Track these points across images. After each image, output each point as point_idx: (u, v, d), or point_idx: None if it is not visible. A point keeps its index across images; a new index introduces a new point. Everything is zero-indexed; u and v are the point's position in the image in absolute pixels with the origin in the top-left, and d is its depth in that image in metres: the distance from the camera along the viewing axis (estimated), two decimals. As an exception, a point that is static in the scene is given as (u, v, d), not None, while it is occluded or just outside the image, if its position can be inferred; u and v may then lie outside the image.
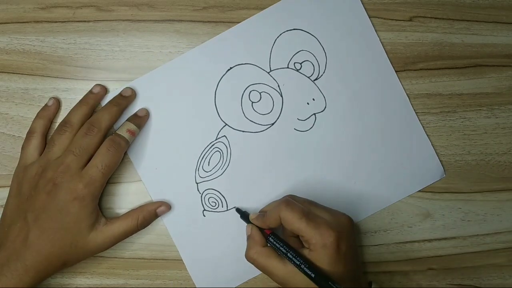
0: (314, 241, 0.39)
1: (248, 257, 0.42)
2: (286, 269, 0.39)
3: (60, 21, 0.46)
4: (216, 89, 0.46)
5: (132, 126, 0.44)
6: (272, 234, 0.41)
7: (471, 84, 0.47)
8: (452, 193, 0.47)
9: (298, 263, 0.39)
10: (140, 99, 0.46)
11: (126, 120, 0.44)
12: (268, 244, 0.41)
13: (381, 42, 0.47)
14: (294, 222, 0.39)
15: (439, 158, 0.47)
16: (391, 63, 0.47)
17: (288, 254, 0.39)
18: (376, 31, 0.47)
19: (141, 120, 0.45)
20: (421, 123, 0.47)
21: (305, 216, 0.39)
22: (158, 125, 0.46)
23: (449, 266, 0.47)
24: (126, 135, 0.43)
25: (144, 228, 0.44)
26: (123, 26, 0.46)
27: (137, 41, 0.46)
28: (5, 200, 0.43)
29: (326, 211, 0.42)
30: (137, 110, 0.45)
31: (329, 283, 0.37)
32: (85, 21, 0.46)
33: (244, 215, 0.45)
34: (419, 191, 0.47)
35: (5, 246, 0.40)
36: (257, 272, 0.46)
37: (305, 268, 0.38)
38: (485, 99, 0.47)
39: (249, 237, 0.43)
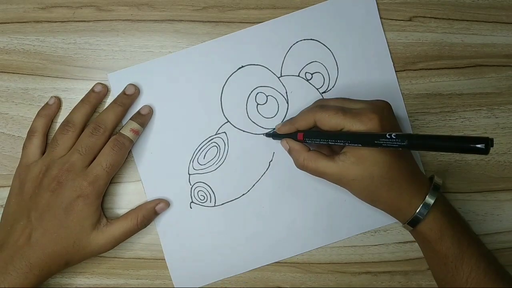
0: (356, 129, 0.38)
1: (299, 166, 0.42)
2: (337, 166, 0.39)
3: (60, 21, 0.46)
4: (225, 84, 0.46)
5: (135, 126, 0.44)
6: (305, 134, 0.41)
7: (471, 84, 0.47)
8: (452, 193, 0.47)
9: (342, 144, 0.38)
10: (148, 82, 0.46)
11: (130, 119, 0.44)
12: (307, 141, 0.41)
13: (394, 66, 0.46)
14: (331, 118, 0.39)
15: (439, 159, 0.47)
16: (398, 82, 0.47)
17: (329, 142, 0.39)
18: (390, 53, 0.47)
19: (144, 118, 0.45)
20: (419, 126, 0.47)
21: (341, 110, 0.39)
22: (161, 111, 0.46)
23: (449, 266, 0.47)
24: (129, 134, 0.43)
25: (144, 227, 0.44)
26: (123, 26, 0.46)
27: (137, 41, 0.46)
28: (6, 200, 0.43)
29: (361, 102, 0.41)
30: (142, 104, 0.45)
31: (375, 142, 0.36)
32: (85, 21, 0.46)
33: (273, 133, 0.45)
34: (419, 191, 0.47)
35: (9, 245, 0.40)
36: (232, 273, 0.46)
37: (351, 144, 0.38)
38: (485, 99, 0.47)
39: (290, 151, 0.43)
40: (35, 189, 0.41)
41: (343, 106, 0.40)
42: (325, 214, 0.46)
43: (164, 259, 0.46)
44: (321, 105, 0.42)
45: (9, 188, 0.43)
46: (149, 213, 0.44)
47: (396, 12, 0.47)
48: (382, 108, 0.40)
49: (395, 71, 0.47)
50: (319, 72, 0.46)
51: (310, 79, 0.46)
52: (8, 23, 0.46)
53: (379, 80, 0.47)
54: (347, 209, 0.46)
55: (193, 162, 0.46)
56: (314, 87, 0.46)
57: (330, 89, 0.46)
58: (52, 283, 0.46)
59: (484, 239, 0.47)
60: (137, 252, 0.46)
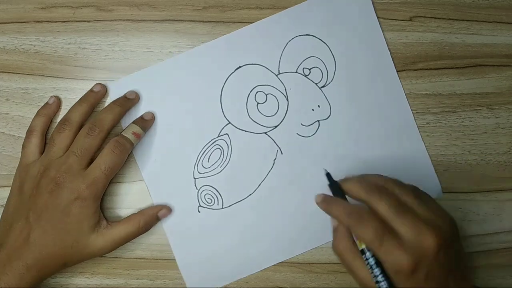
0: (392, 267, 0.34)
1: (337, 250, 0.38)
2: (370, 274, 0.36)
3: (60, 21, 0.46)
4: (223, 86, 0.46)
5: (137, 129, 0.44)
6: (367, 250, 0.37)
7: (471, 84, 0.47)
8: (452, 193, 0.47)
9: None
10: (148, 89, 0.46)
11: (132, 123, 0.44)
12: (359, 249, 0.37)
13: (391, 57, 0.46)
14: (369, 243, 0.35)
15: (439, 159, 0.47)
16: (398, 75, 0.47)
17: (378, 277, 0.35)
18: (387, 45, 0.46)
19: (146, 123, 0.45)
20: (419, 126, 0.47)
21: (378, 239, 0.34)
22: (162, 117, 0.46)
23: (449, 266, 0.47)
24: (131, 137, 0.43)
25: (145, 232, 0.44)
26: (123, 26, 0.46)
27: (137, 41, 0.46)
28: (6, 200, 0.43)
29: (412, 220, 0.34)
30: (144, 111, 0.45)
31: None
32: (85, 21, 0.46)
33: (333, 184, 0.39)
34: (419, 191, 0.47)
35: (7, 245, 0.40)
36: (245, 273, 0.46)
37: None
38: (485, 99, 0.47)
39: (335, 229, 0.38)
40: (34, 189, 0.41)
41: (386, 226, 0.35)
42: None
43: (165, 259, 0.46)
44: (358, 214, 0.36)
45: (9, 188, 0.43)
46: (152, 219, 0.44)
47: (396, 12, 0.47)
48: (423, 249, 0.34)
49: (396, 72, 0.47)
50: (317, 67, 0.46)
51: (308, 74, 0.46)
52: (8, 23, 0.46)
53: (377, 71, 0.46)
54: None
55: (197, 166, 0.46)
56: (313, 82, 0.46)
57: (329, 83, 0.46)
58: (52, 283, 0.46)
59: (484, 239, 0.47)
60: (138, 252, 0.46)
